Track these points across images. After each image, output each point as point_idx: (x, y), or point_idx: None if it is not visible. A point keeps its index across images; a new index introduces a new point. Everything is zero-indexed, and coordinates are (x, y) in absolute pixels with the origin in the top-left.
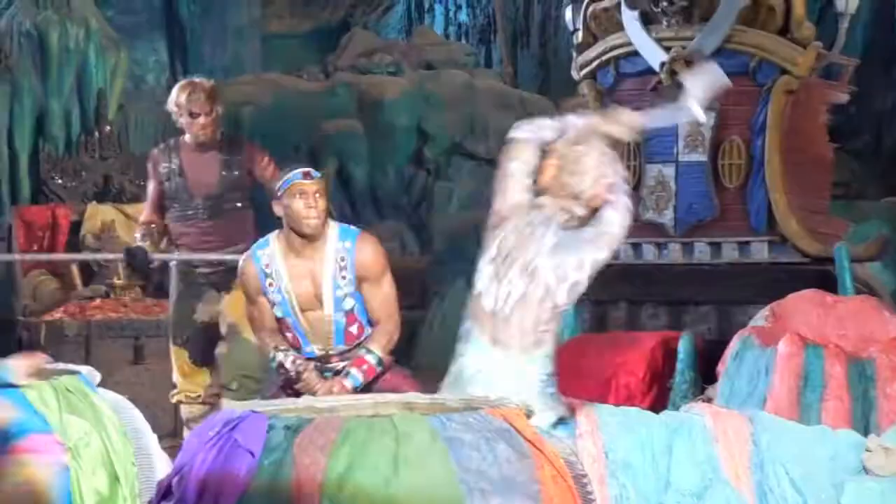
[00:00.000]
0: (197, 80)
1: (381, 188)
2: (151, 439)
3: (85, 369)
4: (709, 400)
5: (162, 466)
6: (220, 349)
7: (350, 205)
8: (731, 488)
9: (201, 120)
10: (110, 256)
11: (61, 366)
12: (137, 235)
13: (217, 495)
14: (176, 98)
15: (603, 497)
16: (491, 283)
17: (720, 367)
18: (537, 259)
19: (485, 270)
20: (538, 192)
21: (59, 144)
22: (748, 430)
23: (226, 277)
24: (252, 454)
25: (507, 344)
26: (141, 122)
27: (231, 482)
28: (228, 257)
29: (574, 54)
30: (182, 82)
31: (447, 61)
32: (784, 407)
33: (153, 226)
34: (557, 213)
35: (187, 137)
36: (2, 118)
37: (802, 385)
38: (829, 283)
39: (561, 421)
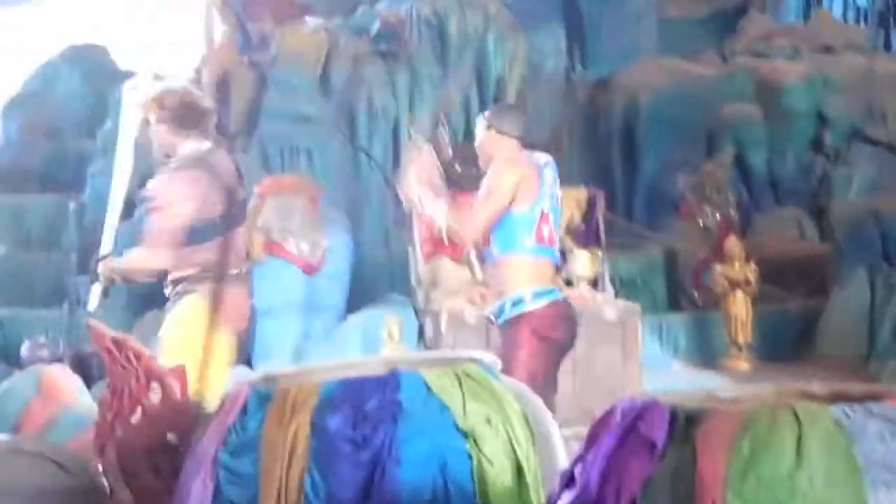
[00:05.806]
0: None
1: (779, 174)
2: (553, 427)
3: (486, 356)
4: None
5: (562, 455)
6: None
7: (748, 190)
8: None
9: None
10: None
11: (462, 352)
12: None
13: (619, 484)
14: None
15: None
16: None
17: None
18: None
19: None
20: None
21: (459, 132)
22: None
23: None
24: (654, 444)
25: None
26: (538, 108)
27: (633, 471)
28: None
29: None
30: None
31: (846, 45)
32: None
33: None
34: None
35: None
36: (402, 106)
37: None
38: None
39: None
